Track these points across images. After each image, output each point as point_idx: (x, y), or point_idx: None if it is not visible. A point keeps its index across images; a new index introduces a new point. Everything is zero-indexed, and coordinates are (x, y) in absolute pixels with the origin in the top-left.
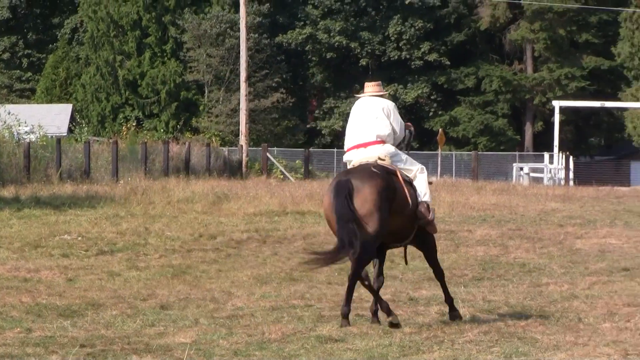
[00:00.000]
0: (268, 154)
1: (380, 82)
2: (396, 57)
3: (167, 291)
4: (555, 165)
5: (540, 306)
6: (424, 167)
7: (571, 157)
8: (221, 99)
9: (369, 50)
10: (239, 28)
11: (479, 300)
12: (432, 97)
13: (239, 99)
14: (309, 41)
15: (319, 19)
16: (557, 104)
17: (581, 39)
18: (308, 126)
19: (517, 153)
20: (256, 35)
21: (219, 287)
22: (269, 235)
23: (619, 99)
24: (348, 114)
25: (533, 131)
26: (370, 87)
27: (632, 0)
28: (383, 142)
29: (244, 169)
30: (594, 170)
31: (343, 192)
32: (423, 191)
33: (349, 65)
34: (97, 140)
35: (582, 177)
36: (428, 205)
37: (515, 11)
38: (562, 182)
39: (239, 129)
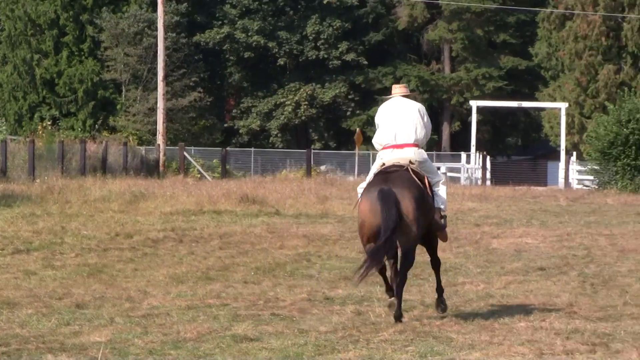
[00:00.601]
0: (185, 153)
1: (406, 84)
2: (314, 56)
3: (83, 290)
4: (473, 165)
5: (456, 305)
6: (445, 178)
7: (488, 157)
8: (139, 98)
9: (287, 50)
10: (156, 27)
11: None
12: (349, 97)
13: (156, 98)
14: (226, 40)
15: (237, 19)
16: (474, 103)
17: (499, 39)
18: (225, 125)
19: (434, 153)
20: (174, 34)
21: (135, 286)
22: (185, 234)
23: (536, 99)
24: (266, 113)
25: (450, 131)
26: (399, 88)
27: (550, 1)
28: (417, 145)
29: (161, 168)
30: (511, 170)
31: (391, 203)
32: (442, 200)
33: (267, 64)
34: (14, 139)
35: (499, 176)
36: (441, 214)
37: (433, 11)
38: (479, 182)
39: (156, 128)
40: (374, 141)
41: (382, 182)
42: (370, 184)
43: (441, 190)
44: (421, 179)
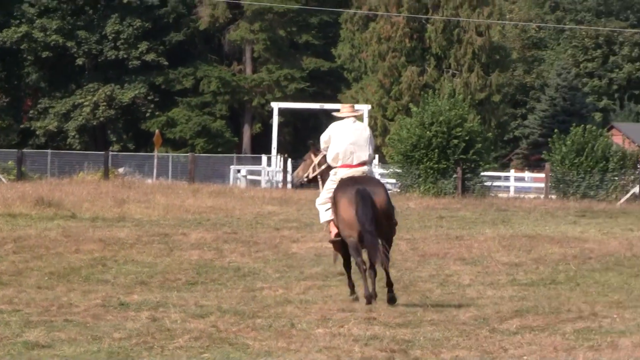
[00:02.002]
0: None
1: (353, 104)
2: (113, 56)
3: None
4: (273, 167)
5: (253, 311)
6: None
7: (289, 160)
8: None
9: (86, 50)
10: None
11: (191, 305)
12: (149, 98)
13: None
14: (24, 40)
15: (35, 17)
16: (275, 105)
17: (301, 40)
18: (22, 126)
19: (234, 155)
20: None
21: None
22: None
23: (339, 101)
24: (63, 114)
25: (251, 133)
26: (348, 108)
27: (353, 2)
28: (368, 163)
29: None
30: None
31: (367, 198)
32: None
33: (65, 64)
34: None
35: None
36: None
37: (235, 11)
38: (280, 185)
39: None
40: (328, 158)
41: (355, 183)
42: (343, 187)
43: None
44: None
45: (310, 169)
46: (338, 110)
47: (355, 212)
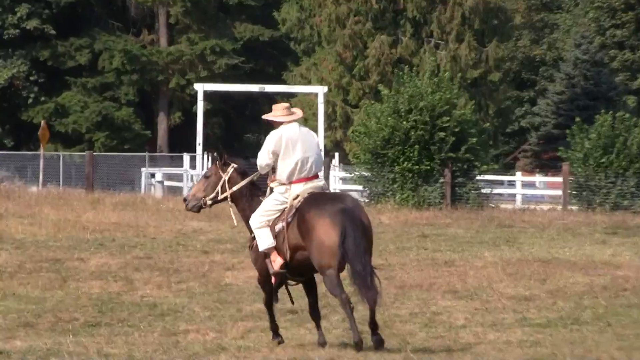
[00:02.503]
0: None
1: (287, 103)
2: None
3: None
4: (199, 170)
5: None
6: None
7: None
8: None
9: None
10: None
11: (93, 354)
12: (31, 79)
13: None
14: None
15: None
16: (200, 87)
17: (233, 1)
18: None
19: (147, 154)
20: None
21: None
22: None
23: (284, 82)
24: None
25: (169, 124)
26: (285, 110)
27: None
28: (318, 176)
29: None
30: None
31: (357, 220)
32: None
33: None
34: None
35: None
36: None
37: None
38: None
39: None
40: (280, 174)
41: (332, 201)
42: (315, 205)
43: None
44: None
45: (219, 188)
46: (271, 112)
47: (341, 237)
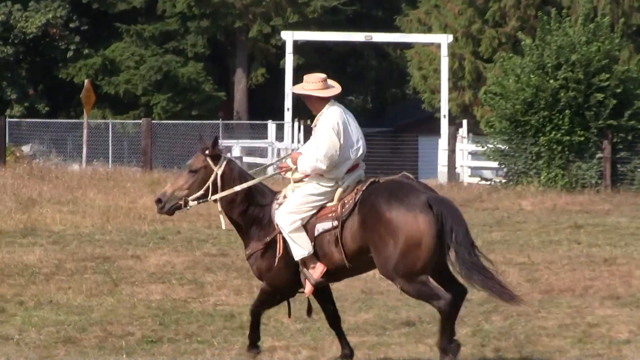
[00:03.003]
0: None
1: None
2: None
3: None
4: (288, 142)
5: None
6: None
7: None
8: None
9: None
10: None
11: None
12: (71, 26)
13: None
14: None
15: None
16: (289, 36)
17: None
18: None
19: (220, 122)
20: None
21: None
22: None
23: (397, 29)
24: None
25: (249, 85)
26: (319, 83)
27: None
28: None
29: None
30: None
31: (458, 216)
32: None
33: None
34: None
35: None
36: None
37: None
38: None
39: None
40: (338, 160)
41: (411, 190)
42: (396, 196)
43: None
44: None
45: (209, 186)
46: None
47: (440, 230)
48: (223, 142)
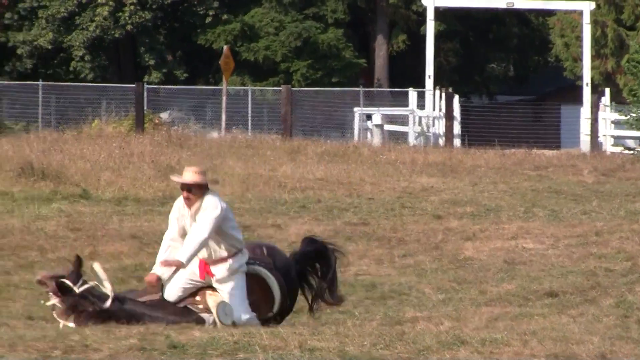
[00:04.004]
0: None
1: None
2: None
3: None
4: (429, 110)
5: (401, 358)
6: None
7: (457, 97)
8: None
9: None
10: None
11: (293, 348)
12: None
13: None
14: None
15: None
16: (430, 2)
17: None
18: None
19: (361, 89)
20: None
21: None
22: None
23: None
24: (62, 21)
25: (389, 51)
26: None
27: None
28: None
29: None
30: (497, 121)
31: None
32: None
33: None
34: None
35: (477, 131)
36: None
37: None
38: (442, 141)
39: None
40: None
41: None
42: None
43: None
44: None
45: None
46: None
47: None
48: (363, 110)
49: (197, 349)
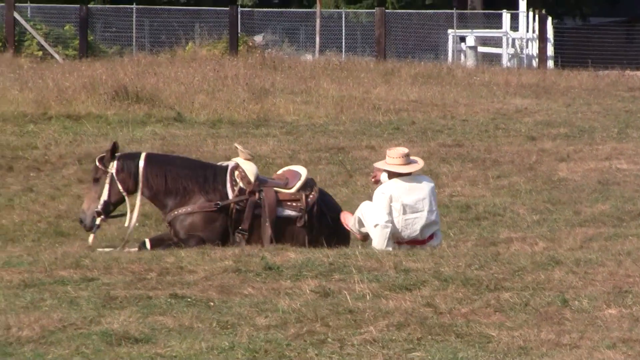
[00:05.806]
0: (17, 15)
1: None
2: None
3: None
4: (522, 32)
5: (496, 279)
6: None
7: (550, 19)
8: None
9: None
10: None
11: (388, 269)
12: None
13: None
14: None
15: None
16: None
17: None
18: None
19: (454, 11)
20: None
21: None
22: (18, 156)
23: None
24: None
25: None
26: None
27: None
28: None
29: None
30: (590, 43)
31: None
32: None
33: None
34: None
35: (570, 53)
36: None
37: None
38: (535, 63)
39: None
40: None
41: None
42: None
43: None
44: None
45: (109, 187)
46: None
47: None
48: (457, 32)
49: (292, 271)
